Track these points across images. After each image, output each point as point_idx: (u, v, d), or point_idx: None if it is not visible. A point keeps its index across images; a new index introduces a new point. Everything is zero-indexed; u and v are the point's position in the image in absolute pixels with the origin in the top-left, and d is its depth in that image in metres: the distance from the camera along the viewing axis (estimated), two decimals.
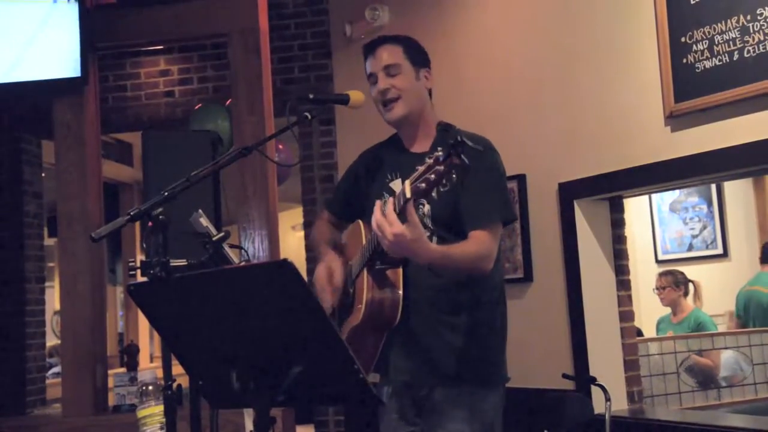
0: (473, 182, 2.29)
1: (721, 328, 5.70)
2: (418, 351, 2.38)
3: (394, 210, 2.05)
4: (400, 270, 2.31)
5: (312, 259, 5.18)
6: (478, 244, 2.28)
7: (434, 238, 2.36)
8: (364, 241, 2.38)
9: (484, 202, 2.33)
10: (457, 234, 2.33)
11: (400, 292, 2.29)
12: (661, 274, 5.70)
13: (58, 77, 4.30)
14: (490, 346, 2.41)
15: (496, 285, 2.45)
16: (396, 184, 2.45)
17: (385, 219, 2.05)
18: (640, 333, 5.29)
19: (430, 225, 2.37)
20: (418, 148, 2.48)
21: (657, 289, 5.60)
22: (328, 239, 2.63)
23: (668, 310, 5.65)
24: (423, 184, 1.93)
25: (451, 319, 2.37)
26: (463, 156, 1.87)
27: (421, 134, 2.48)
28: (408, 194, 1.97)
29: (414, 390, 2.43)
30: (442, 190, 2.17)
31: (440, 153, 1.90)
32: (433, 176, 1.91)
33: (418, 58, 2.50)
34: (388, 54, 2.46)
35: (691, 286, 5.64)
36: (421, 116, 2.48)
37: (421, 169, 1.95)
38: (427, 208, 2.37)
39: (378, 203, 2.10)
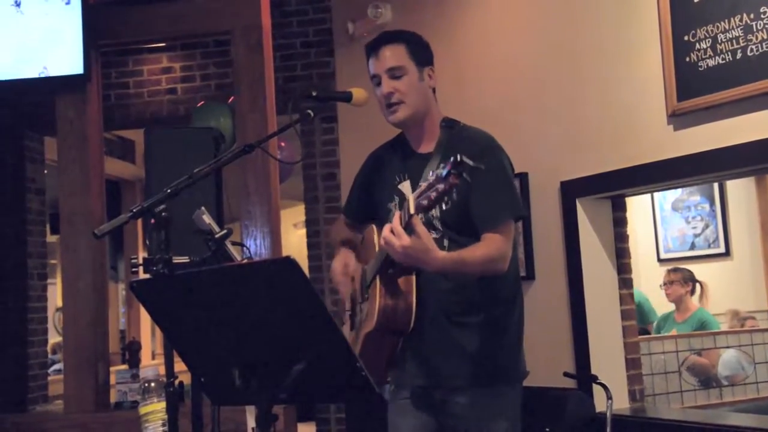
0: (481, 183, 2.29)
1: (723, 327, 5.70)
2: (431, 354, 2.37)
3: (401, 223, 2.07)
4: (414, 278, 2.29)
5: (314, 257, 5.19)
6: (488, 246, 2.27)
7: (445, 241, 2.35)
8: (377, 248, 2.37)
9: (494, 203, 2.32)
10: (467, 235, 2.32)
11: (413, 298, 2.28)
12: (669, 270, 5.71)
13: (61, 74, 4.31)
14: (505, 345, 2.39)
15: (511, 282, 2.43)
16: (404, 186, 2.44)
17: (392, 233, 2.07)
18: (646, 331, 5.29)
19: (440, 227, 2.36)
20: (423, 149, 2.46)
21: (664, 284, 5.59)
22: (343, 238, 2.65)
23: (669, 309, 5.65)
24: (425, 201, 1.95)
25: (463, 320, 2.36)
26: (464, 175, 1.87)
27: (427, 134, 2.46)
28: (411, 210, 2.00)
29: (431, 394, 2.41)
30: (443, 207, 2.17)
31: (441, 170, 1.90)
32: (434, 194, 1.93)
33: (423, 56, 2.46)
34: (392, 55, 2.42)
35: (698, 286, 5.64)
36: (426, 116, 2.46)
37: (423, 186, 1.96)
38: (436, 210, 2.37)
39: (387, 225, 2.12)
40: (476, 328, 2.35)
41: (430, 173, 1.95)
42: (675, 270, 5.69)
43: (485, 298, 2.36)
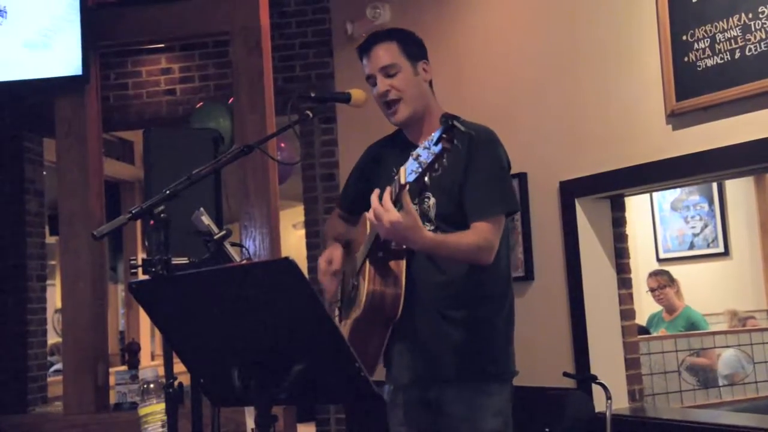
0: (475, 174, 2.31)
1: (722, 327, 5.71)
2: (422, 348, 2.38)
3: (391, 198, 2.09)
4: (404, 264, 2.30)
5: (313, 258, 5.19)
6: (476, 234, 2.28)
7: (438, 233, 2.35)
8: (368, 231, 2.38)
9: (486, 194, 2.33)
10: (461, 229, 2.32)
11: (402, 284, 2.29)
12: (654, 274, 5.68)
13: (60, 75, 4.31)
14: (494, 342, 2.40)
15: (502, 278, 2.44)
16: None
17: (381, 207, 2.08)
18: (646, 331, 5.29)
19: (434, 220, 2.37)
20: (423, 141, 2.48)
21: (655, 289, 5.56)
22: (335, 234, 2.66)
23: (661, 308, 5.65)
24: (416, 169, 1.96)
25: (454, 315, 2.36)
26: (455, 141, 1.88)
27: (426, 128, 2.45)
28: (402, 180, 1.99)
29: (420, 388, 2.42)
30: (434, 175, 2.17)
31: (432, 137, 1.91)
32: (425, 161, 1.93)
33: (415, 51, 2.46)
34: (384, 53, 2.43)
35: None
36: (426, 110, 2.46)
37: (414, 154, 1.97)
38: (432, 201, 2.38)
39: (375, 191, 2.14)
40: (466, 323, 2.36)
41: (422, 142, 1.96)
42: (658, 273, 5.66)
43: (476, 294, 2.37)
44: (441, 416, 2.40)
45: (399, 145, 2.54)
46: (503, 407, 2.40)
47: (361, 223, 2.55)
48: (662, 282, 5.54)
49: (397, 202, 2.08)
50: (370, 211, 2.12)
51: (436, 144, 1.89)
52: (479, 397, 2.37)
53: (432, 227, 2.36)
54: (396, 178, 2.06)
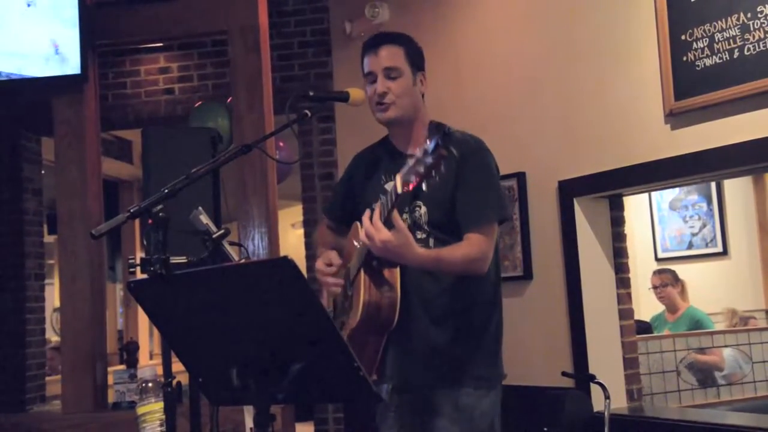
0: (467, 183, 2.33)
1: (720, 327, 5.71)
2: (414, 353, 2.38)
3: (387, 207, 2.10)
4: (398, 271, 2.30)
5: (312, 257, 5.19)
6: (470, 246, 2.30)
7: (431, 240, 2.36)
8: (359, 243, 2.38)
9: (478, 204, 2.34)
10: (455, 235, 2.34)
11: (398, 293, 2.29)
12: (658, 272, 5.69)
13: (58, 74, 4.30)
14: (486, 347, 2.41)
15: (492, 285, 2.45)
16: (390, 186, 2.45)
17: (372, 227, 2.10)
18: (649, 326, 5.28)
19: (426, 228, 2.38)
20: (411, 150, 2.46)
21: (657, 287, 5.57)
22: (327, 243, 2.65)
23: (661, 309, 5.64)
24: (413, 177, 1.96)
25: (445, 321, 2.37)
26: (451, 148, 1.89)
27: (414, 136, 2.47)
28: (399, 189, 2.00)
29: (411, 393, 2.42)
30: (431, 182, 2.18)
31: (428, 145, 1.91)
32: (422, 169, 1.93)
33: (418, 61, 2.48)
34: (390, 55, 2.43)
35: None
36: (414, 119, 2.47)
37: (411, 162, 1.97)
38: (423, 210, 2.38)
39: (367, 212, 2.15)
40: (456, 329, 2.37)
41: (417, 150, 1.96)
42: (663, 272, 5.66)
43: (466, 301, 2.38)
44: (431, 420, 2.40)
45: (386, 153, 2.54)
46: (491, 410, 2.41)
47: (352, 228, 2.54)
48: (665, 280, 5.53)
49: (388, 221, 2.09)
50: (362, 231, 2.13)
51: (432, 152, 1.90)
52: (469, 400, 2.37)
53: (424, 235, 2.37)
54: (392, 187, 2.06)
